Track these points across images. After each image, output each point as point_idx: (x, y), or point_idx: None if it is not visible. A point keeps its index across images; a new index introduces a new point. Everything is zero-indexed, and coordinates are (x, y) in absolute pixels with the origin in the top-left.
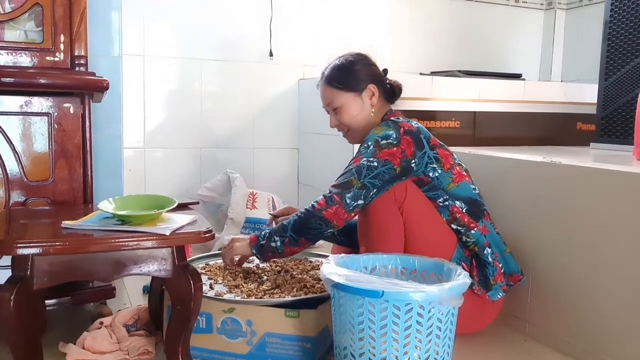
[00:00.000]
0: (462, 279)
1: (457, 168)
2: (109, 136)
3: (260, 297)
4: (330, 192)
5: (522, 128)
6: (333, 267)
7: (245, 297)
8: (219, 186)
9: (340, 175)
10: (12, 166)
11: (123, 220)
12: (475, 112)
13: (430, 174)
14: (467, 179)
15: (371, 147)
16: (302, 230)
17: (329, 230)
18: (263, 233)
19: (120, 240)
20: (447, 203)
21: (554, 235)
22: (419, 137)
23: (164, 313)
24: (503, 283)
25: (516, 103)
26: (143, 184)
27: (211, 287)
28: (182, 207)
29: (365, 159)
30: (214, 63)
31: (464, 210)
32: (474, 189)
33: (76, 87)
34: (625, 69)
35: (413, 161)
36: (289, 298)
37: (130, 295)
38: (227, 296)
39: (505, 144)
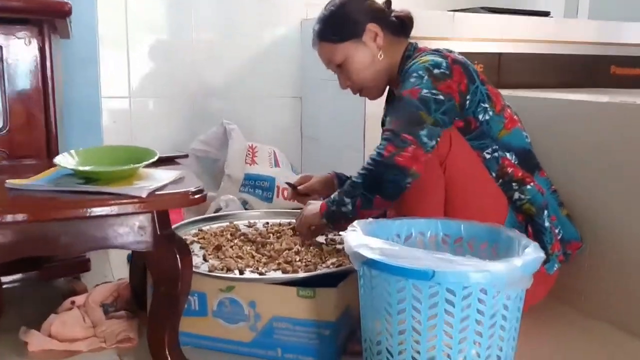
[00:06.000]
0: (533, 251)
1: (509, 110)
2: (84, 82)
3: (263, 273)
4: (393, 132)
5: (549, 71)
6: (361, 236)
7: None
8: (214, 139)
9: (395, 113)
10: None
11: (87, 178)
12: (500, 54)
13: (480, 117)
14: (519, 124)
15: (425, 77)
16: (375, 186)
17: (409, 180)
18: (333, 197)
19: (81, 204)
20: (496, 155)
21: (621, 194)
22: (469, 68)
23: (148, 289)
24: (560, 252)
25: (544, 43)
26: (128, 138)
27: (205, 259)
28: (168, 161)
29: (426, 90)
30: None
31: (516, 163)
32: (526, 137)
33: (28, 11)
34: None
35: (467, 97)
36: (301, 274)
37: (113, 267)
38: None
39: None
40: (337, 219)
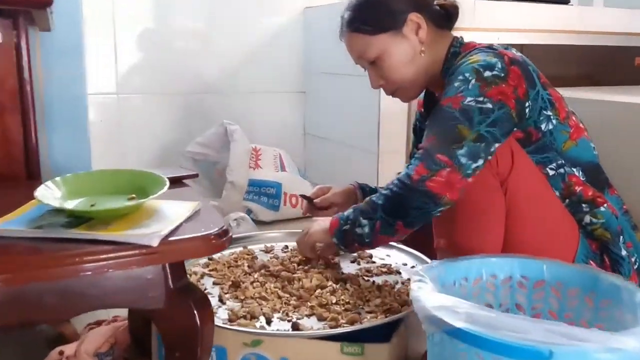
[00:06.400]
0: None
1: (574, 118)
2: (67, 78)
3: (298, 323)
4: (427, 151)
5: (572, 63)
6: (436, 294)
7: (274, 314)
8: (214, 141)
9: (431, 127)
10: None
11: (78, 217)
12: (522, 45)
13: (543, 126)
14: (585, 133)
15: (472, 81)
16: (398, 210)
17: (440, 209)
18: (347, 214)
19: (71, 260)
20: (561, 171)
21: None
22: (528, 69)
23: (153, 339)
24: (637, 285)
25: (567, 34)
26: (116, 140)
27: (221, 301)
28: (174, 183)
29: (471, 98)
30: None
31: (584, 180)
32: (594, 148)
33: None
34: None
35: (527, 104)
36: (344, 327)
37: None
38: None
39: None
40: (349, 241)
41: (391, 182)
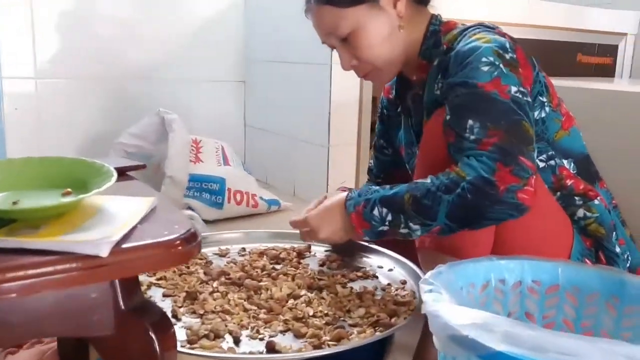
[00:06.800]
0: None
1: (564, 105)
2: None
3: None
4: (505, 152)
5: None
6: (451, 303)
7: (242, 331)
8: (148, 132)
9: (478, 115)
10: None
11: None
12: None
13: (536, 114)
14: (575, 122)
15: (500, 65)
16: (470, 220)
17: (513, 219)
18: (378, 212)
19: None
20: (552, 162)
21: None
22: (523, 50)
23: None
24: None
25: (515, 27)
26: (35, 131)
27: (176, 317)
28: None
29: (515, 88)
30: None
31: (574, 173)
32: (582, 139)
33: None
34: None
35: (532, 89)
36: (330, 347)
37: None
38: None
39: None
40: (386, 236)
41: (447, 179)
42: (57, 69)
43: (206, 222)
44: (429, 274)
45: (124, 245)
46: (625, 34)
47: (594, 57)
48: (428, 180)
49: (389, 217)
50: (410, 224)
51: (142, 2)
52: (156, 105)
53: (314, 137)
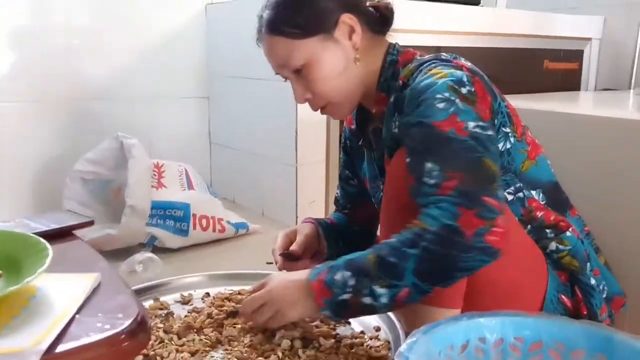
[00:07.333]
0: None
1: (529, 133)
2: None
3: None
4: (465, 194)
5: (483, 68)
6: None
7: None
8: (107, 157)
9: (434, 157)
10: None
11: None
12: (439, 48)
13: (500, 146)
14: (542, 150)
15: (456, 100)
16: (440, 275)
17: (487, 264)
18: (337, 277)
19: None
20: (520, 195)
21: None
22: (485, 79)
23: None
24: (606, 315)
25: (476, 36)
26: None
27: None
28: (60, 236)
29: (473, 123)
30: None
31: (544, 204)
32: (550, 165)
33: None
34: None
35: (495, 121)
36: None
37: None
38: None
39: None
40: (350, 312)
41: (411, 234)
42: (7, 90)
43: (170, 250)
44: (403, 345)
45: (59, 350)
46: (590, 39)
47: (560, 63)
48: (393, 239)
49: (352, 282)
50: (375, 289)
51: (100, 18)
52: (116, 125)
53: (281, 155)
